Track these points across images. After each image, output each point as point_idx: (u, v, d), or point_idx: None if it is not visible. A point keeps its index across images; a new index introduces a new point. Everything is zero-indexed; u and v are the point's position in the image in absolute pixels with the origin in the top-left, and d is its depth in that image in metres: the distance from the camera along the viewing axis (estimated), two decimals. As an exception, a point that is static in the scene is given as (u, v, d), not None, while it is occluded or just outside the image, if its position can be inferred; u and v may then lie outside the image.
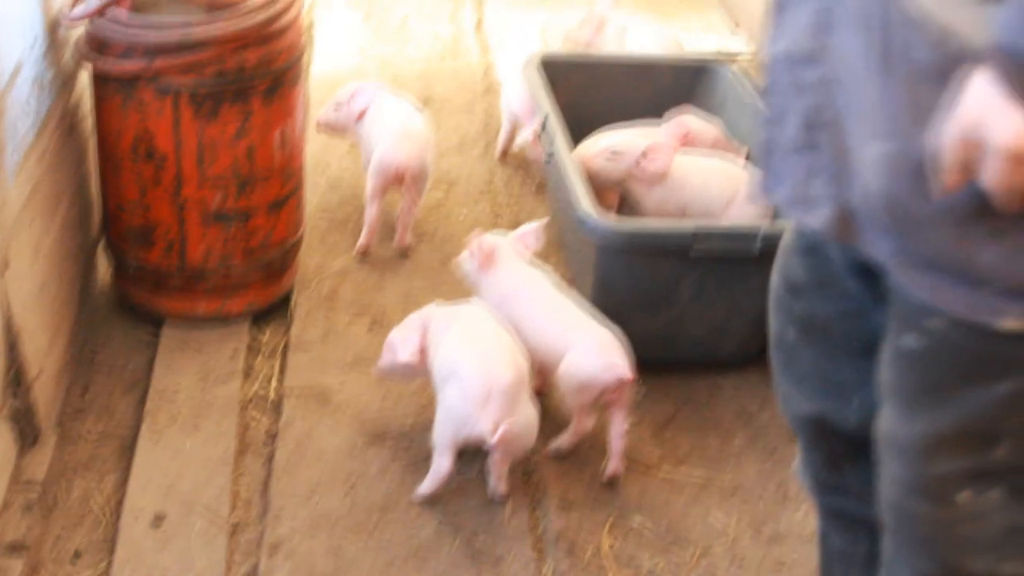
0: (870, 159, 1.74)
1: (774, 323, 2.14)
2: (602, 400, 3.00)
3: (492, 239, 3.24)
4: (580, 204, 3.27)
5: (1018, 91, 1.53)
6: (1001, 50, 1.53)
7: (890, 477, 1.93)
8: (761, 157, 1.95)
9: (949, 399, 1.82)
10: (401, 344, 2.99)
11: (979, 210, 1.64)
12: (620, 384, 2.95)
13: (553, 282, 3.19)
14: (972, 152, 1.59)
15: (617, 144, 3.63)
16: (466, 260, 3.25)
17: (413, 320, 3.05)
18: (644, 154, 3.58)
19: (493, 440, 2.76)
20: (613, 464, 3.00)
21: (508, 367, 2.83)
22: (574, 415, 3.06)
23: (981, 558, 1.88)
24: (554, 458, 3.07)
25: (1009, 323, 1.71)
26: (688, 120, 3.81)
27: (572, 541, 2.85)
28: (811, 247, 2.00)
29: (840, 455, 2.15)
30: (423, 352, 2.99)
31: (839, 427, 2.10)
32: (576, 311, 3.12)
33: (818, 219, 1.85)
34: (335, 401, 3.23)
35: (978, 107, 1.57)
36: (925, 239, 1.72)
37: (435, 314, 3.03)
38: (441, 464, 2.88)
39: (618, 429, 3.00)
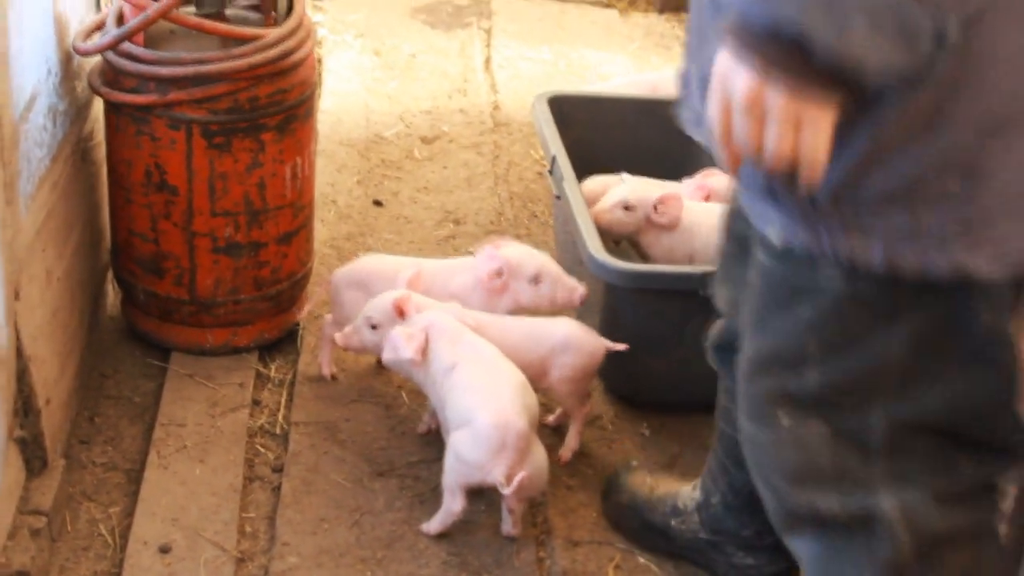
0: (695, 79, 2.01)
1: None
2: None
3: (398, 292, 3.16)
4: (588, 244, 3.28)
5: (746, 51, 1.70)
6: (733, 17, 1.72)
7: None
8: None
9: (766, 322, 2.00)
10: (407, 341, 2.97)
11: None
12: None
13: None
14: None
15: (629, 197, 3.64)
16: (365, 332, 3.17)
17: (418, 321, 3.01)
18: (655, 207, 3.60)
19: (509, 490, 2.77)
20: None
21: (522, 414, 2.82)
22: (571, 406, 3.17)
23: (803, 489, 1.98)
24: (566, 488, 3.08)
25: (772, 235, 1.89)
26: (712, 181, 3.76)
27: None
28: None
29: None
30: (424, 353, 2.97)
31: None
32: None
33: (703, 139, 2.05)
34: (342, 434, 3.24)
35: (722, 72, 1.75)
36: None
37: (438, 321, 3.00)
38: (452, 505, 2.88)
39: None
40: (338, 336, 3.22)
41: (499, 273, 3.23)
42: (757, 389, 2.04)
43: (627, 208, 3.62)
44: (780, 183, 1.84)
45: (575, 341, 3.14)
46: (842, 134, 1.76)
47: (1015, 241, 1.82)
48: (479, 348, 2.98)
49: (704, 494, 2.83)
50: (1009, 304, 1.87)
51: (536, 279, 3.25)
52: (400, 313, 3.08)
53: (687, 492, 2.92)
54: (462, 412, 2.86)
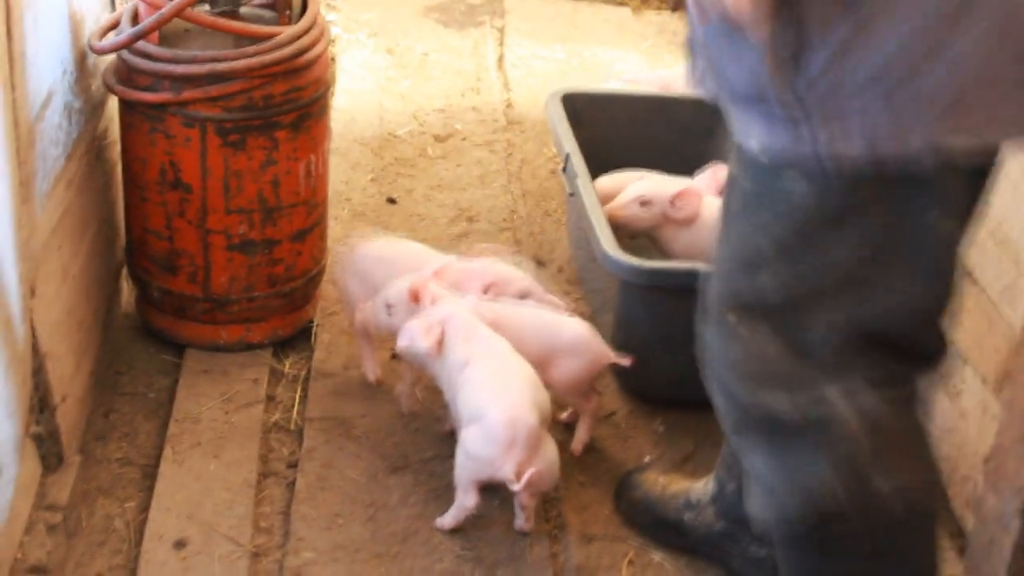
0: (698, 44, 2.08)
1: None
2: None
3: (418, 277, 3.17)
4: (602, 241, 3.29)
5: None
6: None
7: None
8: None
9: (729, 231, 2.10)
10: (424, 333, 2.98)
11: (727, 33, 1.93)
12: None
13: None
14: None
15: (645, 192, 3.65)
16: (382, 314, 3.20)
17: (436, 313, 3.02)
18: (672, 201, 3.60)
19: (519, 486, 2.78)
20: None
21: (532, 410, 2.83)
22: (574, 403, 3.21)
23: (755, 391, 2.08)
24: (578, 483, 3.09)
25: (753, 143, 1.97)
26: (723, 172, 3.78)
27: (592, 574, 2.86)
28: None
29: None
30: (440, 346, 2.98)
31: None
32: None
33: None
34: (356, 430, 3.25)
35: None
36: (713, 66, 2.02)
37: (454, 316, 3.01)
38: (465, 500, 2.89)
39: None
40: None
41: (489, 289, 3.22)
42: (713, 294, 2.13)
43: (644, 204, 3.64)
44: (770, 81, 1.93)
45: (580, 345, 3.14)
46: (823, 22, 1.87)
47: (987, 117, 1.92)
48: (492, 344, 2.99)
49: (718, 484, 2.84)
50: (959, 206, 1.99)
51: (524, 296, 3.25)
52: (414, 298, 3.10)
53: (700, 486, 2.93)
54: (473, 408, 2.88)
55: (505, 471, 2.78)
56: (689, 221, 3.60)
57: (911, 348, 2.12)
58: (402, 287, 3.13)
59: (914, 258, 2.01)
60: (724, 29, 1.95)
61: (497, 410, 2.81)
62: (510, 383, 2.88)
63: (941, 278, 2.05)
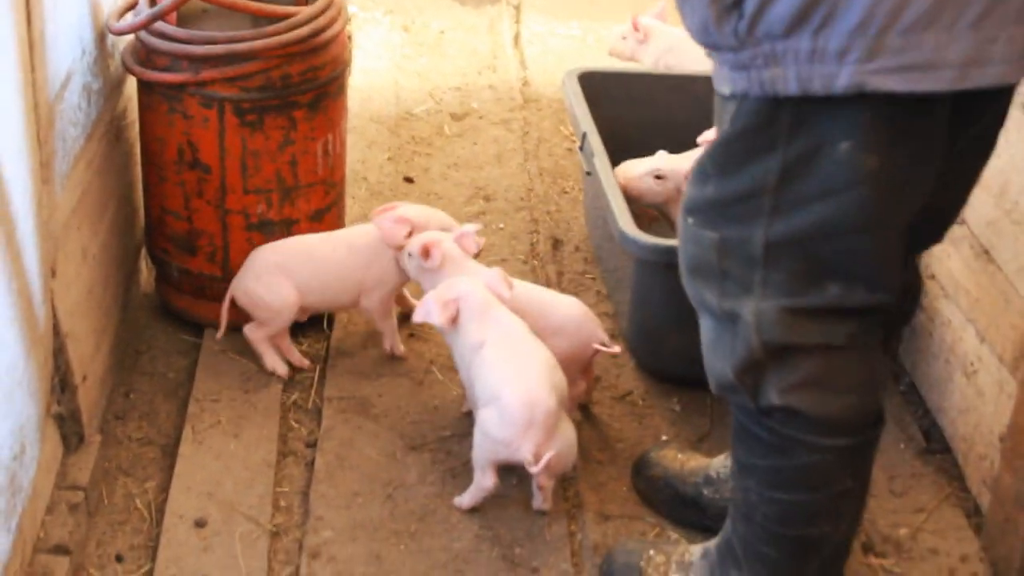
0: None
1: None
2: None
3: (437, 237, 3.22)
4: (619, 220, 3.29)
5: None
6: None
7: None
8: None
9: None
10: (441, 308, 2.98)
11: None
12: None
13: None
14: None
15: (662, 166, 3.65)
16: (408, 257, 3.25)
17: (452, 289, 3.02)
18: (688, 177, 3.59)
19: (538, 468, 2.79)
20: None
21: (550, 393, 2.83)
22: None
23: (694, 280, 2.38)
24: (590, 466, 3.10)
25: (726, 88, 2.19)
26: None
27: (610, 552, 2.86)
28: None
29: None
30: (454, 322, 2.99)
31: None
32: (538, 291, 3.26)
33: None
34: (375, 409, 3.26)
35: None
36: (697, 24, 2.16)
37: (469, 295, 3.00)
38: (483, 481, 2.91)
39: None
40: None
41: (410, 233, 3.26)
42: (684, 196, 2.39)
43: (659, 177, 3.65)
44: (716, 29, 2.12)
45: (571, 326, 3.13)
46: None
47: (906, 55, 2.02)
48: (507, 325, 2.99)
49: None
50: (869, 137, 2.10)
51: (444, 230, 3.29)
52: (424, 254, 3.14)
53: (719, 461, 2.95)
54: (490, 389, 2.88)
55: (523, 453, 2.79)
56: None
57: (844, 270, 2.25)
58: (420, 240, 3.17)
59: (826, 178, 2.16)
60: None
61: (515, 392, 2.82)
62: (527, 365, 2.88)
63: (852, 199, 2.16)
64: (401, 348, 3.45)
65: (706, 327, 2.42)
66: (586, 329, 3.14)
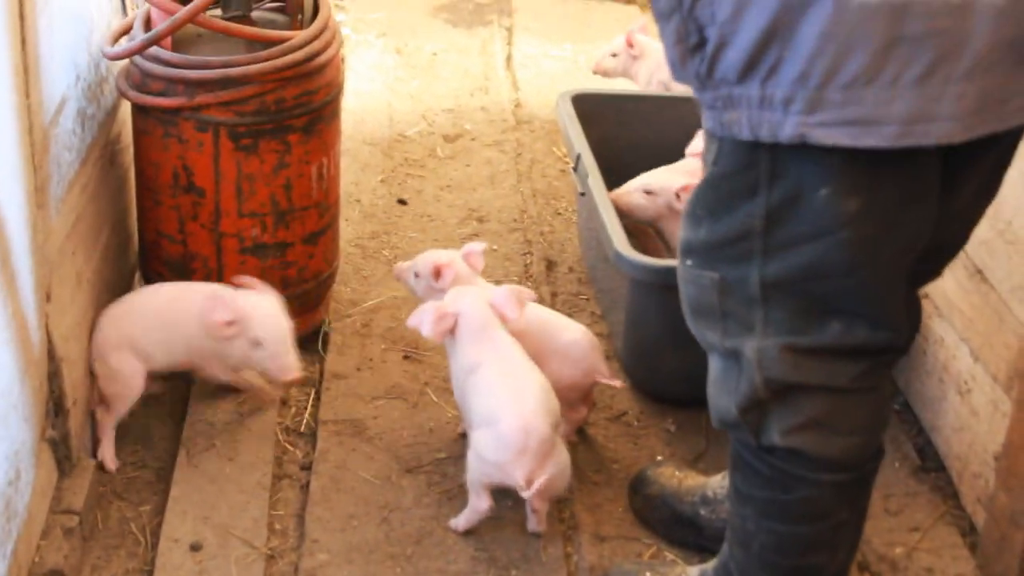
0: None
1: None
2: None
3: (447, 256, 3.23)
4: (613, 240, 3.30)
5: None
6: None
7: None
8: None
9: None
10: (435, 322, 2.97)
11: (662, 18, 2.12)
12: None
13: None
14: None
15: (651, 183, 3.67)
16: (415, 278, 3.24)
17: (453, 303, 3.02)
18: (678, 194, 3.61)
19: (530, 493, 2.78)
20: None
21: (545, 418, 2.83)
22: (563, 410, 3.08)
23: (697, 321, 2.39)
24: (585, 490, 3.10)
25: (708, 127, 2.19)
26: None
27: (606, 574, 2.87)
28: None
29: None
30: (442, 337, 2.99)
31: None
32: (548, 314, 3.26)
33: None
34: (369, 431, 3.27)
35: None
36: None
37: (468, 313, 3.00)
38: (477, 503, 2.91)
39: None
40: (396, 269, 3.33)
41: (231, 324, 3.11)
42: (679, 241, 2.40)
43: (648, 193, 3.67)
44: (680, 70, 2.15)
45: (576, 352, 3.13)
46: (708, 12, 2.04)
47: (847, 110, 2.01)
48: (503, 348, 2.98)
49: None
50: (847, 181, 2.10)
51: (256, 343, 3.14)
52: (436, 274, 3.15)
53: (716, 481, 2.95)
54: (485, 412, 2.87)
55: (516, 478, 2.79)
56: None
57: (846, 308, 2.25)
58: (431, 258, 3.17)
59: (809, 223, 2.15)
60: (659, 14, 2.14)
61: (510, 417, 2.81)
62: (523, 389, 2.88)
63: (837, 242, 2.16)
64: (271, 395, 3.37)
65: (712, 365, 2.43)
66: (592, 358, 3.13)
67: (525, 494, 2.78)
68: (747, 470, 2.47)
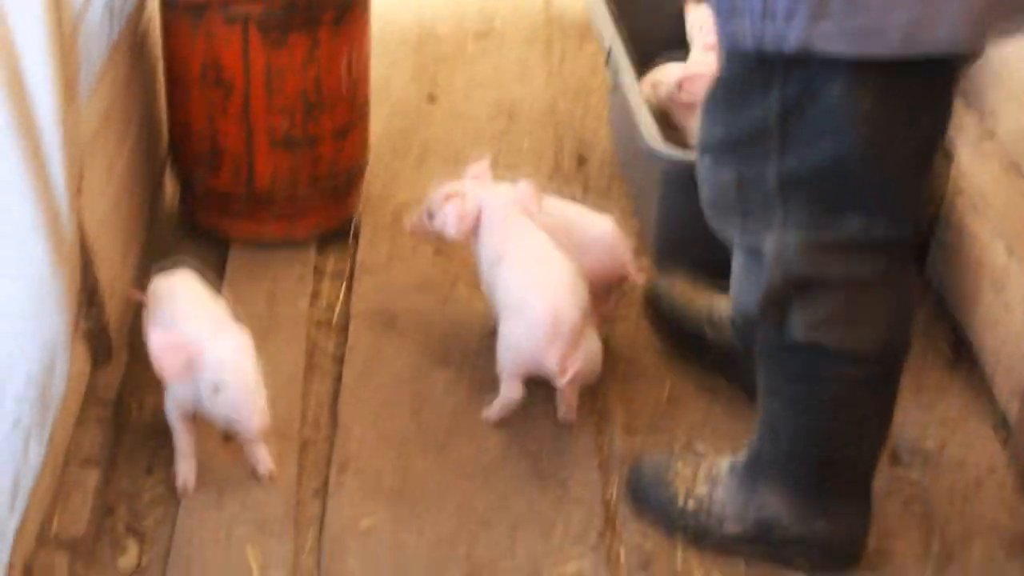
0: None
1: None
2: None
3: (455, 185, 3.09)
4: (645, 134, 3.27)
5: None
6: None
7: None
8: None
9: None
10: (457, 220, 2.97)
11: None
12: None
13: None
14: None
15: (656, 74, 3.71)
16: (426, 220, 3.11)
17: (474, 199, 3.01)
18: (679, 84, 3.61)
19: (563, 381, 2.79)
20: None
21: (576, 305, 2.82)
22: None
23: (716, 218, 2.43)
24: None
25: (722, 40, 2.21)
26: None
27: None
28: None
29: None
30: (469, 235, 2.99)
31: None
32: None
33: None
34: (401, 324, 3.27)
35: None
36: None
37: (490, 205, 3.00)
38: (509, 393, 2.91)
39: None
40: (407, 223, 3.21)
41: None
42: (697, 138, 2.44)
43: (654, 86, 3.70)
44: None
45: (603, 244, 3.10)
46: None
47: (850, 19, 2.01)
48: (528, 239, 2.98)
49: None
50: (859, 78, 2.11)
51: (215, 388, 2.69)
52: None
53: (723, 304, 3.02)
54: (514, 300, 2.88)
55: (548, 364, 2.79)
56: (694, 105, 3.58)
57: (862, 202, 2.26)
58: (440, 192, 3.12)
59: (821, 119, 2.17)
60: None
61: (539, 303, 2.81)
62: (551, 276, 2.87)
63: (849, 138, 2.17)
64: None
65: (735, 261, 2.48)
66: (619, 250, 3.11)
67: (559, 382, 2.78)
68: (772, 366, 2.49)
